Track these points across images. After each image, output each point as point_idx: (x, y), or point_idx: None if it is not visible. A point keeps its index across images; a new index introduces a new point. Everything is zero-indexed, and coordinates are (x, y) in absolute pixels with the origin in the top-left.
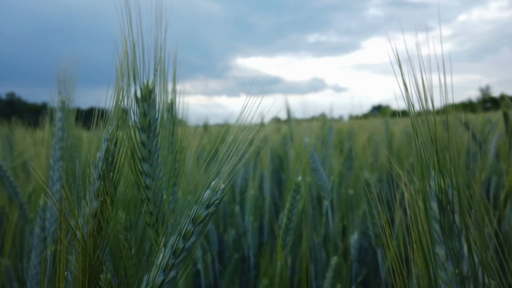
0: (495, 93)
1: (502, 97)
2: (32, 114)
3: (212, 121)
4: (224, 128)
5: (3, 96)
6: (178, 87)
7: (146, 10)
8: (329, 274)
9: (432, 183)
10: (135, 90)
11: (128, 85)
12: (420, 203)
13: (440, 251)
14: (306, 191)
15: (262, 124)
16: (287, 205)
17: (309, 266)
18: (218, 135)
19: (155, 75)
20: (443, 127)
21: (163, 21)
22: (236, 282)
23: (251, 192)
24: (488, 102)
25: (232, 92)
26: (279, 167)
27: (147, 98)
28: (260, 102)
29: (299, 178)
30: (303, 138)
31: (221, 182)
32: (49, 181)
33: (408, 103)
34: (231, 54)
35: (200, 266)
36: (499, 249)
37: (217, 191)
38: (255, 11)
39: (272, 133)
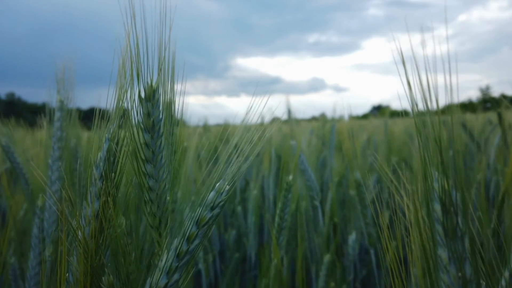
0: (495, 93)
1: (500, 99)
2: (32, 114)
3: (212, 121)
4: (223, 128)
5: (3, 96)
6: (178, 86)
7: (149, 8)
8: (323, 272)
9: (436, 185)
10: (139, 90)
11: (131, 85)
12: (417, 205)
13: (443, 253)
14: (297, 192)
15: (262, 124)
16: (279, 205)
17: (311, 266)
18: (218, 135)
19: (159, 74)
20: (447, 127)
21: (167, 20)
22: (237, 281)
23: (254, 192)
24: (488, 102)
25: (232, 92)
26: (279, 167)
27: (151, 98)
28: (260, 102)
29: (290, 178)
30: (300, 138)
31: (226, 183)
32: (48, 181)
33: (412, 103)
34: (231, 54)
35: (201, 266)
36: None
37: (222, 192)
38: (255, 11)
39: (273, 133)
